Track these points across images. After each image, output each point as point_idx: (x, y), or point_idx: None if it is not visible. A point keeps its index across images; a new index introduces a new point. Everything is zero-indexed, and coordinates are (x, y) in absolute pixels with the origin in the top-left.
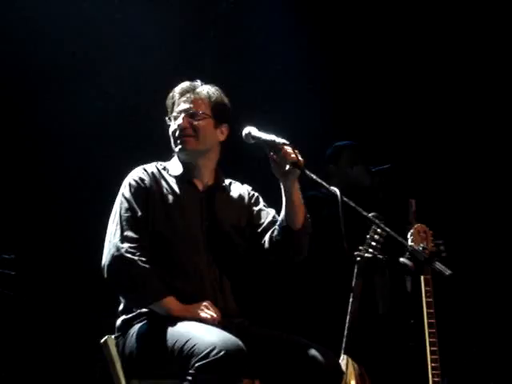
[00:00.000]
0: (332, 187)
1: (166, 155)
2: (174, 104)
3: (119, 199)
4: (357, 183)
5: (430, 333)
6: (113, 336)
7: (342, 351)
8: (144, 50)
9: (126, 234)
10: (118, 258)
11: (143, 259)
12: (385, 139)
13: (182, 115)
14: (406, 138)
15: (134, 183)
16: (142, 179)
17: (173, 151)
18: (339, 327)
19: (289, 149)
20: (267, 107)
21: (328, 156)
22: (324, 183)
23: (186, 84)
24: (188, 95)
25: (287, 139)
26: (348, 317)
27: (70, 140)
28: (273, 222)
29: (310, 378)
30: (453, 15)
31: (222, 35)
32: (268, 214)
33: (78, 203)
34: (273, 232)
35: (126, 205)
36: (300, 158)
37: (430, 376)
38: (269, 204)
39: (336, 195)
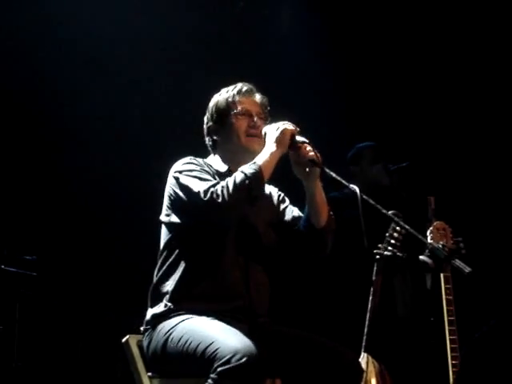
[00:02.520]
0: (351, 185)
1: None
2: (236, 101)
3: (175, 177)
4: (376, 183)
5: (450, 330)
6: (141, 328)
7: (362, 349)
8: (159, 51)
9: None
10: (205, 204)
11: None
12: (403, 137)
13: (255, 116)
14: (425, 136)
15: (192, 161)
16: (196, 161)
17: (212, 150)
18: (359, 325)
19: (308, 147)
20: (284, 107)
21: (349, 157)
22: (343, 181)
23: (246, 84)
24: (258, 97)
25: (306, 138)
26: (368, 315)
27: (92, 143)
28: (297, 219)
29: (331, 376)
30: (470, 13)
31: (236, 35)
32: (292, 211)
33: (99, 206)
34: (297, 229)
35: (190, 167)
36: (319, 156)
37: (451, 373)
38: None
39: (355, 193)
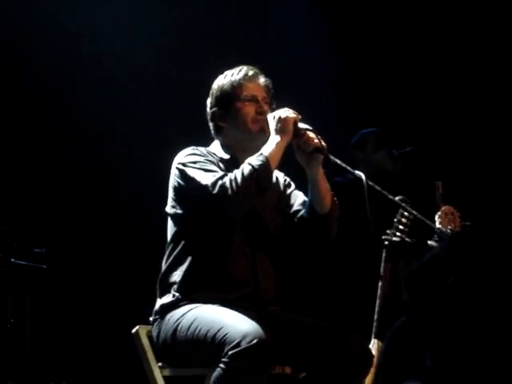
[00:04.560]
0: (357, 171)
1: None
2: (242, 86)
3: (180, 169)
4: (380, 168)
5: None
6: (150, 318)
7: (373, 335)
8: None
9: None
10: (214, 196)
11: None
12: (408, 123)
13: (261, 101)
14: (431, 120)
15: (195, 151)
16: (199, 151)
17: (215, 136)
18: (369, 312)
19: (311, 134)
20: (287, 93)
21: (353, 143)
22: (349, 168)
23: (251, 68)
24: (262, 80)
25: (310, 125)
26: (377, 301)
27: (100, 135)
28: (303, 204)
29: (341, 362)
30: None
31: (239, 20)
32: (297, 197)
33: (107, 197)
34: (301, 216)
35: (194, 158)
36: (323, 143)
37: None
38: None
39: (361, 179)
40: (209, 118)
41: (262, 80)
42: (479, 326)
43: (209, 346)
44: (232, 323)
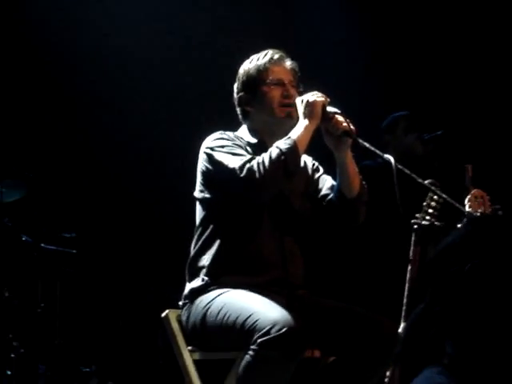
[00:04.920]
0: (386, 155)
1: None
2: (268, 70)
3: (208, 153)
4: (410, 152)
5: None
6: (180, 302)
7: (402, 319)
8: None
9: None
10: (242, 179)
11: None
12: (438, 105)
13: (287, 84)
14: (460, 103)
15: (222, 135)
16: (227, 136)
17: (243, 120)
18: (398, 296)
19: (340, 117)
20: (317, 77)
21: (384, 126)
22: (378, 151)
23: (277, 52)
24: (288, 64)
25: (338, 108)
26: (407, 285)
27: (130, 121)
28: (331, 188)
29: (370, 346)
30: None
31: (273, 10)
32: (326, 181)
33: (136, 182)
34: (329, 200)
35: (222, 143)
36: (352, 127)
37: None
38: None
39: (390, 163)
40: (236, 102)
41: (288, 63)
42: (500, 312)
43: (238, 332)
44: (262, 310)
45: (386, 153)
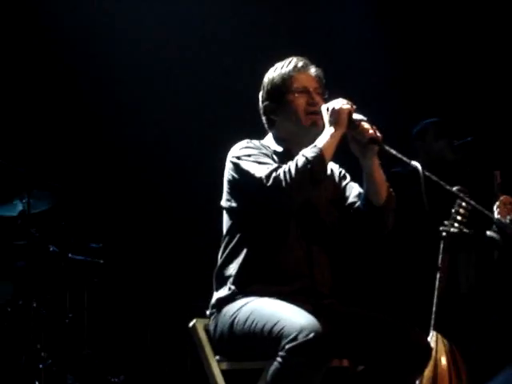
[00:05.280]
0: (413, 162)
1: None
2: (292, 78)
3: (234, 162)
4: (440, 158)
5: None
6: (207, 311)
7: (431, 328)
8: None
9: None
10: (269, 188)
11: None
12: (467, 112)
13: (312, 91)
14: (489, 110)
15: (249, 144)
16: (253, 144)
17: (269, 129)
18: (427, 304)
19: (366, 125)
20: (344, 83)
21: (415, 133)
22: (404, 158)
23: (301, 59)
24: (313, 71)
25: (364, 115)
26: (436, 293)
27: (157, 132)
28: (359, 196)
29: (399, 355)
30: None
31: (297, 16)
32: (353, 188)
33: (164, 193)
34: (357, 208)
35: (248, 151)
36: (378, 134)
37: None
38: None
39: (417, 170)
40: (261, 111)
41: (312, 70)
42: None
43: (265, 339)
44: (288, 317)
45: (417, 159)
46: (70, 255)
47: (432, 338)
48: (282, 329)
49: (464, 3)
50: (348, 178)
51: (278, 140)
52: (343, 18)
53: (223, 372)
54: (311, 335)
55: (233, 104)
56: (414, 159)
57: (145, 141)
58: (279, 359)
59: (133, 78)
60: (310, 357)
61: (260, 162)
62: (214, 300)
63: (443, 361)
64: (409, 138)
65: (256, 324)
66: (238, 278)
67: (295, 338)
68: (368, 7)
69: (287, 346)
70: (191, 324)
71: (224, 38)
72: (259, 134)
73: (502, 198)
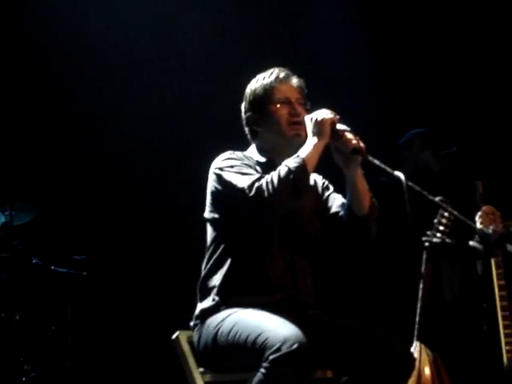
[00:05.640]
0: (396, 172)
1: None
2: (274, 89)
3: (217, 174)
4: (426, 168)
5: (503, 316)
6: (191, 323)
7: (415, 338)
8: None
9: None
10: (251, 198)
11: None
12: (449, 123)
13: (294, 102)
14: (471, 120)
15: (232, 155)
16: (236, 156)
17: (252, 140)
18: (410, 314)
19: (349, 135)
20: (331, 96)
21: (401, 143)
22: (388, 168)
23: (282, 70)
24: (295, 81)
25: (348, 126)
26: (419, 303)
27: (140, 143)
28: (341, 206)
29: (382, 365)
30: None
31: (277, 21)
32: (335, 199)
33: (146, 204)
34: (339, 218)
35: (231, 163)
36: (361, 144)
37: (505, 359)
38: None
39: (400, 180)
40: (244, 122)
41: (294, 81)
42: None
43: (249, 350)
44: (272, 328)
45: (403, 169)
46: (52, 267)
47: (415, 348)
48: (266, 340)
49: (449, 15)
50: (331, 188)
51: (261, 151)
52: (329, 29)
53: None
54: (295, 346)
55: (217, 114)
56: (399, 169)
57: (128, 152)
58: (263, 370)
59: (116, 90)
60: (293, 368)
61: (243, 173)
62: (197, 311)
63: (427, 371)
64: (394, 149)
65: (240, 335)
66: (222, 289)
67: (279, 349)
68: (354, 17)
69: (271, 357)
70: (174, 336)
71: (210, 54)
72: (243, 146)
73: (484, 208)
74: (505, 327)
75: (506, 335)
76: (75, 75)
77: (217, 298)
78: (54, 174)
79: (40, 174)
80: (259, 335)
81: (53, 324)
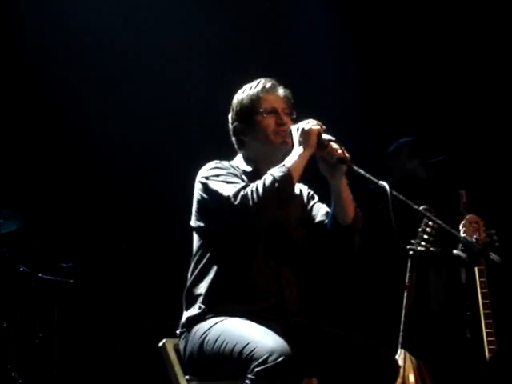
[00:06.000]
0: (381, 182)
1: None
2: (260, 99)
3: (203, 183)
4: (413, 176)
5: (486, 323)
6: (177, 331)
7: (399, 345)
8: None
9: (229, 190)
10: (236, 207)
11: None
12: (434, 131)
13: (281, 112)
14: (456, 130)
15: (218, 165)
16: (222, 165)
17: (238, 149)
18: (395, 322)
19: (335, 145)
20: (314, 105)
21: (389, 152)
22: (372, 178)
23: (269, 80)
24: (281, 92)
25: (334, 136)
26: (403, 311)
27: (129, 151)
28: (326, 215)
29: (367, 373)
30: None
31: (262, 36)
32: (320, 208)
33: (132, 212)
34: (324, 227)
35: (217, 172)
36: (346, 154)
37: None
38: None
39: (385, 189)
40: (231, 132)
41: (280, 91)
42: None
43: (235, 360)
44: (258, 339)
45: (390, 178)
46: (40, 275)
47: (400, 355)
48: (253, 351)
49: (436, 22)
50: (316, 198)
51: (247, 160)
52: (314, 39)
53: None
54: (281, 359)
55: (204, 125)
56: (387, 178)
57: (115, 161)
58: (248, 382)
59: (102, 102)
60: (279, 380)
61: (228, 182)
62: (183, 319)
63: (411, 378)
64: (380, 157)
65: (226, 344)
66: (208, 297)
67: (265, 361)
68: (340, 25)
69: (256, 369)
70: (161, 344)
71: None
72: (228, 156)
73: (467, 217)
74: (488, 335)
75: (489, 343)
76: (64, 85)
77: (203, 306)
78: (41, 181)
79: (27, 181)
80: (246, 346)
81: (40, 331)
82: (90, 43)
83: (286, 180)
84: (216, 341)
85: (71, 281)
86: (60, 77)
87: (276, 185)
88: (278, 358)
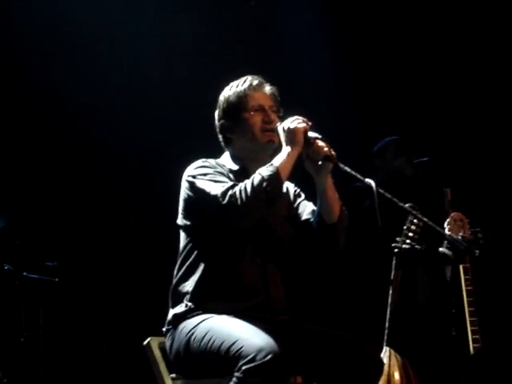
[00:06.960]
0: (367, 179)
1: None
2: (247, 96)
3: (189, 181)
4: (399, 174)
5: (471, 321)
6: (163, 328)
7: (384, 343)
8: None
9: (217, 189)
10: (223, 206)
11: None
12: (417, 130)
13: (268, 109)
14: (441, 128)
15: (205, 163)
16: (209, 163)
17: (225, 147)
18: (380, 319)
19: (321, 142)
20: (301, 104)
21: (375, 150)
22: (358, 175)
23: (256, 78)
24: (268, 89)
25: (321, 133)
26: (388, 309)
27: (113, 149)
28: (311, 213)
29: (351, 371)
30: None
31: (247, 34)
32: (306, 206)
33: (117, 210)
34: (309, 225)
35: (204, 171)
36: (332, 152)
37: None
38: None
39: (371, 187)
40: (217, 130)
41: (267, 89)
42: None
43: (222, 358)
44: (246, 337)
45: (377, 176)
46: (24, 273)
47: (385, 353)
48: (240, 349)
49: (423, 21)
50: (302, 196)
51: (234, 158)
52: (301, 37)
53: None
54: (269, 357)
55: (190, 122)
56: (373, 176)
57: (100, 159)
58: (235, 380)
59: (92, 103)
60: (266, 378)
61: (216, 181)
62: (170, 316)
63: (396, 376)
64: (367, 156)
65: (213, 342)
66: (195, 294)
67: (253, 359)
68: (326, 25)
69: (244, 367)
70: (146, 342)
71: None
72: (215, 153)
73: (452, 214)
74: (473, 333)
75: (474, 340)
76: (54, 83)
77: (189, 304)
78: (25, 180)
79: (11, 179)
80: (233, 343)
81: (25, 330)
82: (88, 43)
83: (275, 180)
84: (203, 338)
85: (56, 279)
86: (53, 74)
87: (264, 184)
88: (266, 356)
